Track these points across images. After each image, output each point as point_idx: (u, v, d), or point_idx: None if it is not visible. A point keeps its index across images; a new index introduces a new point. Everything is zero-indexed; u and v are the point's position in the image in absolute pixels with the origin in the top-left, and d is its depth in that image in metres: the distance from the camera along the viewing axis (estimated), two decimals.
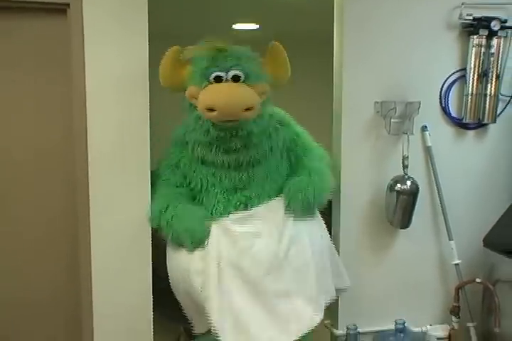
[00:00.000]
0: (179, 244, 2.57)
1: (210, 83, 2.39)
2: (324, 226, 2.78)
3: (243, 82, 2.40)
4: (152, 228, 2.68)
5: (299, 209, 2.58)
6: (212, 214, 2.60)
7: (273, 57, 2.50)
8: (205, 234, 2.52)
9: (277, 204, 2.62)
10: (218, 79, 2.38)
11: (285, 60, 2.52)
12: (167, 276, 2.72)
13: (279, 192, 2.64)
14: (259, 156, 2.57)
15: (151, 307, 2.82)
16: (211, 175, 2.60)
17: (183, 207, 2.57)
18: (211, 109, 2.32)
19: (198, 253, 2.53)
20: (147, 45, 2.78)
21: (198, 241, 2.51)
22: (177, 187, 2.66)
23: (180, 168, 2.66)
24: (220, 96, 2.33)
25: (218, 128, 2.41)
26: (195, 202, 2.67)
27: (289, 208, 2.59)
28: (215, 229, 2.56)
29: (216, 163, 2.56)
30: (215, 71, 2.38)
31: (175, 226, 2.53)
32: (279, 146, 2.64)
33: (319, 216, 2.76)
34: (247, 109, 2.35)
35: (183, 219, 2.53)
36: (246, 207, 2.59)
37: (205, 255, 2.51)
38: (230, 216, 2.59)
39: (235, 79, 2.39)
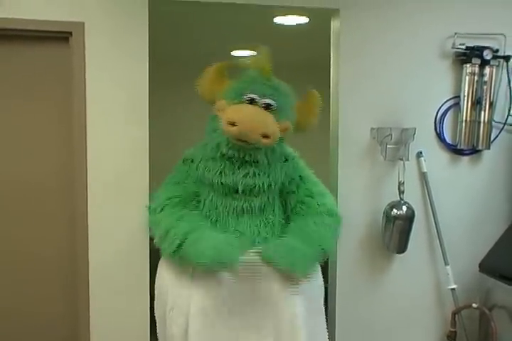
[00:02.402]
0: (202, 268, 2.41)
1: (241, 102, 2.43)
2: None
3: (272, 112, 2.44)
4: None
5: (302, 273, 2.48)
6: None
7: (307, 103, 2.57)
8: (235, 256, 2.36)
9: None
10: (251, 101, 2.42)
11: (317, 109, 2.58)
12: None
13: (270, 231, 2.57)
14: (258, 188, 2.51)
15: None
16: (206, 199, 2.57)
17: (209, 232, 2.46)
18: (233, 124, 2.33)
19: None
20: (148, 72, 2.84)
21: (225, 260, 2.34)
22: (184, 201, 2.58)
23: (186, 183, 2.63)
24: (245, 115, 2.37)
25: (230, 145, 2.41)
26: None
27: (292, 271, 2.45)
28: None
29: (214, 186, 2.52)
30: (251, 93, 2.42)
31: (201, 246, 2.36)
32: (279, 182, 2.59)
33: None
34: (265, 136, 2.37)
35: (212, 240, 2.39)
36: None
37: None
38: None
39: (266, 107, 2.43)
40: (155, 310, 2.66)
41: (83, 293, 2.81)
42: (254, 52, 4.71)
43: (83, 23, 2.74)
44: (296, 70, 3.85)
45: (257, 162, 2.47)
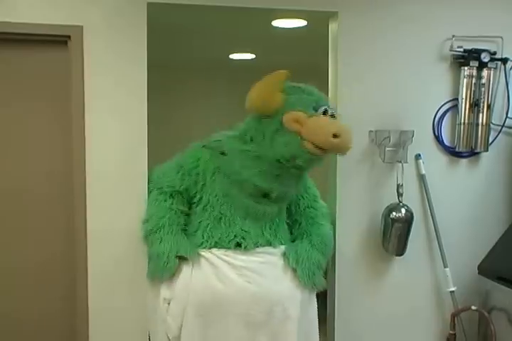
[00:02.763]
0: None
1: (316, 114, 2.43)
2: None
3: None
4: None
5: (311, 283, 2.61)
6: (202, 239, 2.54)
7: None
8: (167, 271, 2.48)
9: (276, 261, 2.59)
10: (324, 113, 2.46)
11: None
12: None
13: (274, 234, 2.62)
14: (286, 195, 2.61)
15: None
16: (216, 195, 2.54)
17: (171, 237, 2.52)
18: (336, 136, 2.34)
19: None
20: (146, 76, 2.85)
21: (161, 271, 2.49)
22: (176, 194, 2.57)
23: (191, 174, 2.57)
24: (344, 127, 2.41)
25: (305, 156, 2.39)
26: (190, 225, 2.60)
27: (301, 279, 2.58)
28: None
29: (242, 185, 2.49)
30: (325, 105, 2.48)
31: (153, 249, 2.53)
32: (300, 191, 2.73)
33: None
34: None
35: (163, 246, 2.49)
36: (239, 245, 2.53)
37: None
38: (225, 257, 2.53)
39: (332, 117, 2.51)
40: (148, 302, 2.68)
41: (82, 293, 2.81)
42: (252, 55, 4.71)
43: (82, 27, 2.74)
44: (294, 73, 3.83)
45: (304, 171, 2.57)
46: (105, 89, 2.80)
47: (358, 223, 3.13)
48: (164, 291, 2.50)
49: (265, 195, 2.52)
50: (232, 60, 4.86)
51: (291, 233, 2.75)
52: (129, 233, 2.77)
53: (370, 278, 3.19)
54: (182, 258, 2.49)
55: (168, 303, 2.49)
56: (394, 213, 3.05)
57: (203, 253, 2.51)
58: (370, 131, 3.10)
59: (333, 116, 2.49)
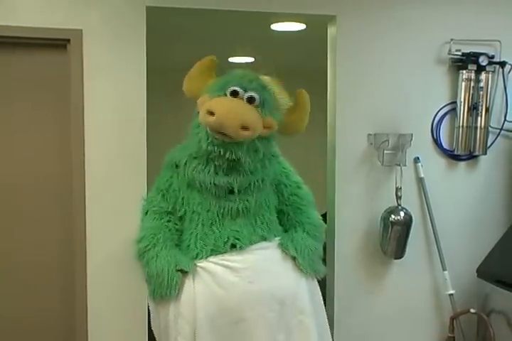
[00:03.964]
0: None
1: (224, 95, 2.34)
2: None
3: (256, 108, 2.33)
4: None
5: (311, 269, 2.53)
6: (196, 249, 2.44)
7: (296, 103, 2.48)
8: (174, 287, 2.35)
9: (274, 254, 2.51)
10: (234, 94, 2.32)
11: (305, 109, 2.49)
12: None
13: (266, 228, 2.52)
14: (251, 186, 2.44)
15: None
16: (198, 204, 2.46)
17: (166, 252, 2.42)
18: (211, 113, 2.23)
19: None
20: (145, 79, 2.85)
21: (164, 290, 2.36)
22: (167, 214, 2.50)
23: (169, 192, 2.52)
24: (224, 104, 2.28)
25: (210, 140, 2.30)
26: (182, 241, 2.51)
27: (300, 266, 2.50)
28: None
29: (205, 188, 2.41)
30: (235, 86, 2.33)
31: (150, 268, 2.41)
32: (270, 177, 2.53)
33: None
34: (245, 128, 2.24)
35: (160, 263, 2.39)
36: (234, 247, 2.43)
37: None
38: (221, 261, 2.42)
39: (250, 100, 2.33)
40: (152, 326, 2.57)
41: (81, 293, 2.82)
42: (251, 59, 4.72)
43: (81, 30, 2.75)
44: (293, 76, 3.84)
45: (239, 160, 2.34)
46: (104, 92, 2.80)
47: (356, 226, 3.13)
48: (172, 308, 2.39)
49: (230, 191, 2.42)
50: (231, 63, 4.87)
51: (281, 225, 2.64)
52: (128, 234, 2.77)
53: (368, 281, 3.19)
54: (182, 273, 2.38)
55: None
56: (393, 216, 3.05)
57: (199, 264, 2.41)
58: (369, 135, 3.11)
59: (251, 99, 2.32)
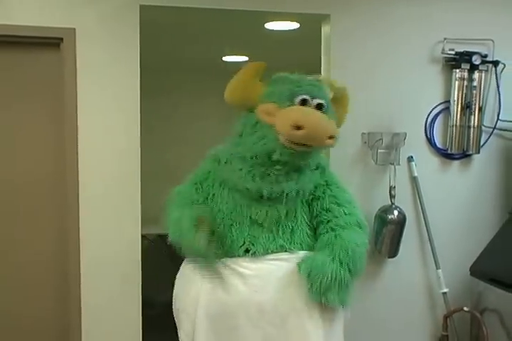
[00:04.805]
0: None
1: (293, 104, 2.25)
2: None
3: (324, 113, 2.28)
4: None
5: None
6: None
7: (339, 99, 2.44)
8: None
9: (290, 268, 2.29)
10: (303, 103, 2.26)
11: (348, 105, 2.48)
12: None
13: (289, 239, 2.35)
14: (284, 195, 2.31)
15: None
16: (225, 203, 2.37)
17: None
18: (299, 128, 2.14)
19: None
20: (139, 78, 2.85)
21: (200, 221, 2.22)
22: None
23: (203, 186, 2.44)
24: (312, 117, 2.20)
25: (284, 151, 2.21)
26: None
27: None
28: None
29: (236, 189, 2.34)
30: (303, 94, 2.26)
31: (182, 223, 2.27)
32: (308, 188, 2.38)
33: None
34: (331, 137, 2.20)
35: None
36: (247, 252, 2.31)
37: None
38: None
39: (319, 107, 2.27)
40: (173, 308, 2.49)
41: (74, 292, 2.82)
42: (245, 58, 4.72)
43: (74, 29, 2.74)
44: None
45: (307, 164, 2.32)
46: (98, 91, 2.80)
47: None
48: (177, 302, 2.39)
49: (262, 197, 2.31)
50: (225, 62, 4.87)
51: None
52: (122, 232, 2.78)
53: (362, 279, 3.15)
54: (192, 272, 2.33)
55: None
56: (386, 215, 3.06)
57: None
58: (363, 133, 3.11)
59: (320, 106, 2.28)
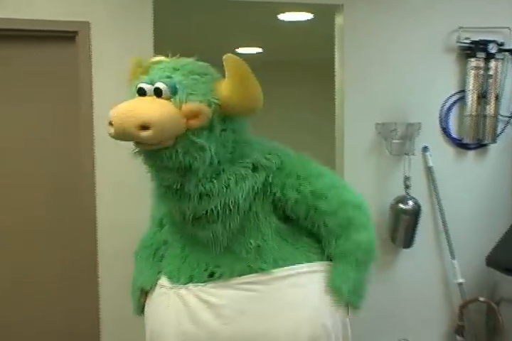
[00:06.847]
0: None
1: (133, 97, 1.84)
2: None
3: (169, 98, 1.76)
4: None
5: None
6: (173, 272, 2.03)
7: (229, 73, 1.82)
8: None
9: (268, 292, 1.92)
10: (142, 93, 1.81)
11: (236, 78, 1.81)
12: None
13: (255, 258, 1.93)
14: (213, 212, 1.87)
15: None
16: (171, 224, 2.09)
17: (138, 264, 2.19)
18: (111, 123, 1.77)
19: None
20: None
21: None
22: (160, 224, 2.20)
23: (162, 225, 2.20)
24: (117, 110, 1.77)
25: (140, 153, 1.87)
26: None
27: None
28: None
29: (173, 216, 2.01)
30: (141, 83, 1.82)
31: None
32: (242, 201, 1.88)
33: None
34: (144, 128, 1.69)
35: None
36: (211, 276, 1.94)
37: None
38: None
39: (157, 93, 1.78)
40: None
41: (93, 289, 2.85)
42: (259, 49, 4.70)
43: (89, 23, 2.76)
44: (300, 66, 3.85)
45: (180, 162, 1.78)
46: (113, 84, 2.81)
47: None
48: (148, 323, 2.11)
49: (194, 217, 1.91)
50: (238, 53, 4.87)
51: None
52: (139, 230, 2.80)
53: (377, 270, 3.18)
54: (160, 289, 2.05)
55: None
56: (401, 205, 3.06)
57: (175, 289, 1.98)
58: (377, 124, 3.10)
59: (157, 91, 1.76)
